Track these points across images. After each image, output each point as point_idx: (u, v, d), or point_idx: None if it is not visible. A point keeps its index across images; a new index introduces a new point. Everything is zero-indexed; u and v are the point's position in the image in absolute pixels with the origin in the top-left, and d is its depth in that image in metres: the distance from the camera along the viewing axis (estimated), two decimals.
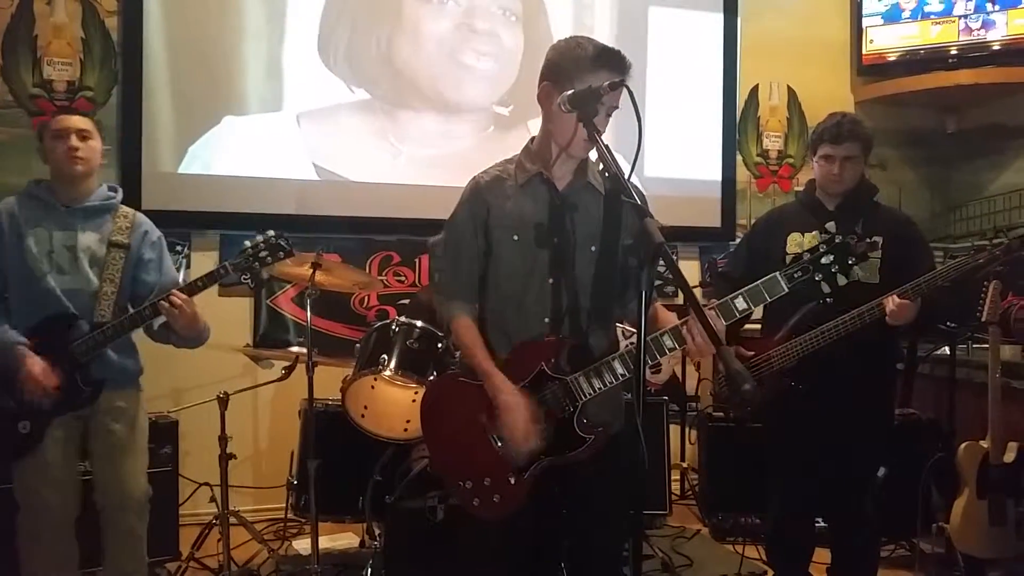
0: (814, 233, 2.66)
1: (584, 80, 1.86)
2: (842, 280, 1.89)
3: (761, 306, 2.75)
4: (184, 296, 2.42)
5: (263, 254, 2.47)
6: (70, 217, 2.54)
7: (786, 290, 1.88)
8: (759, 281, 1.89)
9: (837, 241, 1.89)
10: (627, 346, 1.95)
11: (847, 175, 2.67)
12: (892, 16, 4.93)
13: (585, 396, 1.93)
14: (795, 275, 1.88)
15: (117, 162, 3.85)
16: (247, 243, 2.49)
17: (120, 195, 2.67)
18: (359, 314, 4.24)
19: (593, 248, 1.98)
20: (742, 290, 1.89)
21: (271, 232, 2.49)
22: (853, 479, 2.69)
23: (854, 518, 2.72)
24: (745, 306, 1.88)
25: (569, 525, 2.07)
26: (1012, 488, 3.05)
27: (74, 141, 2.50)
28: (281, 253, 2.49)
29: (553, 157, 1.99)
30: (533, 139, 2.07)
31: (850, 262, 1.88)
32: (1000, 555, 3.08)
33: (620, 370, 1.91)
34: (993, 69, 4.72)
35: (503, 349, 2.00)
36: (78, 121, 2.56)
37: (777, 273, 1.89)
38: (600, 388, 1.92)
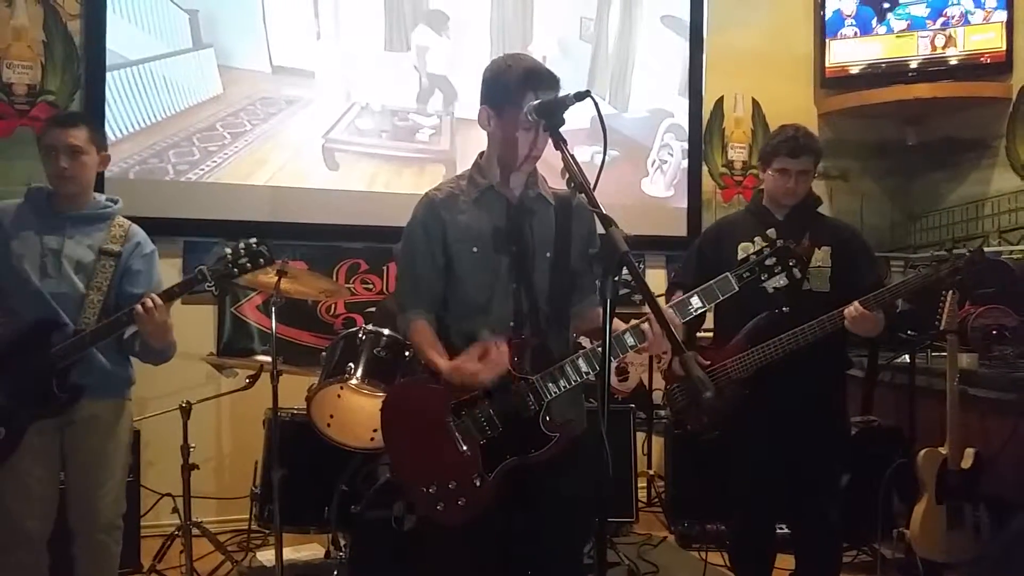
0: (764, 245, 2.70)
1: (515, 99, 1.93)
2: (783, 280, 2.06)
3: (712, 316, 2.84)
4: (158, 300, 2.36)
5: (243, 260, 2.41)
6: (60, 223, 2.49)
7: (736, 288, 2.00)
8: (712, 281, 2.00)
9: (779, 244, 2.05)
10: (592, 346, 2.00)
11: (801, 188, 2.73)
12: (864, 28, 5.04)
13: (550, 395, 1.96)
14: (744, 275, 2.01)
15: None
16: (227, 249, 2.42)
17: (119, 205, 2.60)
18: (326, 322, 4.21)
19: (548, 254, 2.05)
20: (696, 289, 1.99)
21: (252, 239, 2.44)
22: (814, 485, 2.72)
23: (817, 524, 2.76)
24: (700, 304, 1.98)
25: (530, 529, 2.07)
26: (969, 493, 3.11)
27: (63, 161, 2.43)
28: (261, 260, 2.43)
29: (516, 167, 2.03)
30: (482, 154, 2.11)
31: (791, 263, 2.04)
32: (958, 559, 3.13)
33: (584, 368, 1.95)
34: (951, 84, 4.84)
35: None
36: (70, 137, 2.44)
37: (728, 273, 2.00)
38: (565, 387, 1.96)
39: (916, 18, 4.93)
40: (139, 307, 2.35)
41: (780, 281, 2.06)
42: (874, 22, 5.00)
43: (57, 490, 2.48)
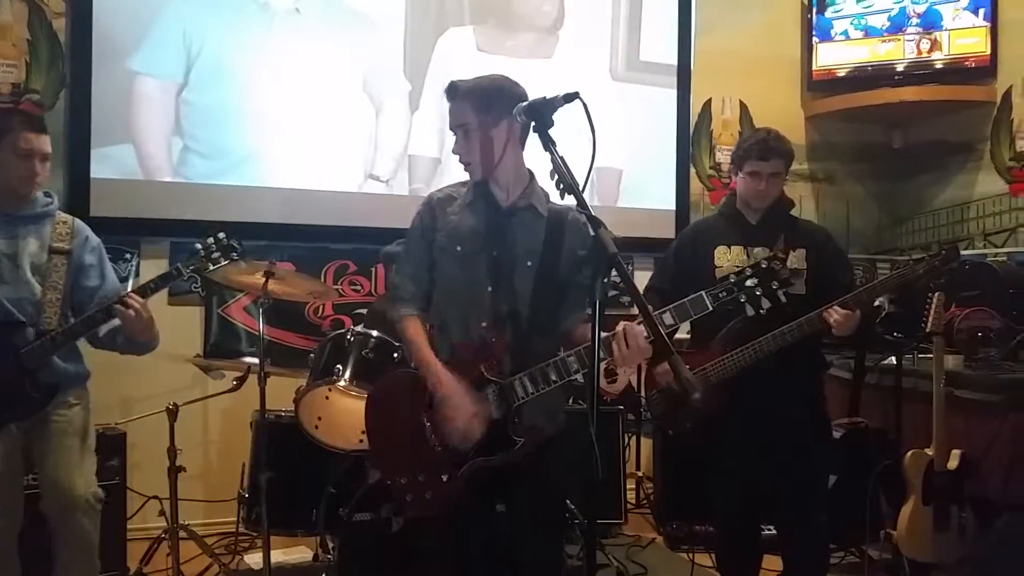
0: (740, 247, 2.73)
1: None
2: (766, 303, 1.99)
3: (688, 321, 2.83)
4: (140, 300, 2.40)
5: (215, 255, 2.48)
6: (9, 225, 2.49)
7: (710, 308, 1.98)
8: (686, 299, 1.99)
9: (764, 266, 1.99)
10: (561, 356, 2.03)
11: (772, 190, 2.75)
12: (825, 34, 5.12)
13: (519, 399, 2.01)
14: (720, 295, 1.99)
15: (65, 168, 3.76)
16: (198, 244, 2.50)
17: (56, 201, 2.62)
18: (313, 324, 4.20)
19: (530, 263, 2.10)
20: (669, 306, 1.99)
21: (221, 233, 2.51)
22: (799, 487, 2.73)
23: (803, 526, 2.77)
24: (672, 321, 1.99)
25: (510, 529, 2.13)
26: (955, 494, 3.13)
27: (38, 167, 2.47)
28: (234, 254, 2.50)
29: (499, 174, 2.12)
30: None
31: (774, 286, 1.98)
32: (944, 560, 3.15)
33: (553, 376, 2.00)
34: (937, 87, 4.88)
35: (446, 353, 2.10)
36: (45, 144, 2.50)
37: (703, 292, 1.99)
38: (533, 392, 2.00)
39: (872, 28, 5.02)
40: (120, 307, 2.38)
41: (764, 304, 1.99)
42: (832, 32, 5.10)
43: (22, 491, 2.48)
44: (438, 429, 2.03)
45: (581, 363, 1.97)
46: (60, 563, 2.52)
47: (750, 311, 1.99)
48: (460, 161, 2.14)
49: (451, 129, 2.14)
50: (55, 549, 2.51)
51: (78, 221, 2.62)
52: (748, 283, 1.98)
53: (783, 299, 2.00)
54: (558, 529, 2.23)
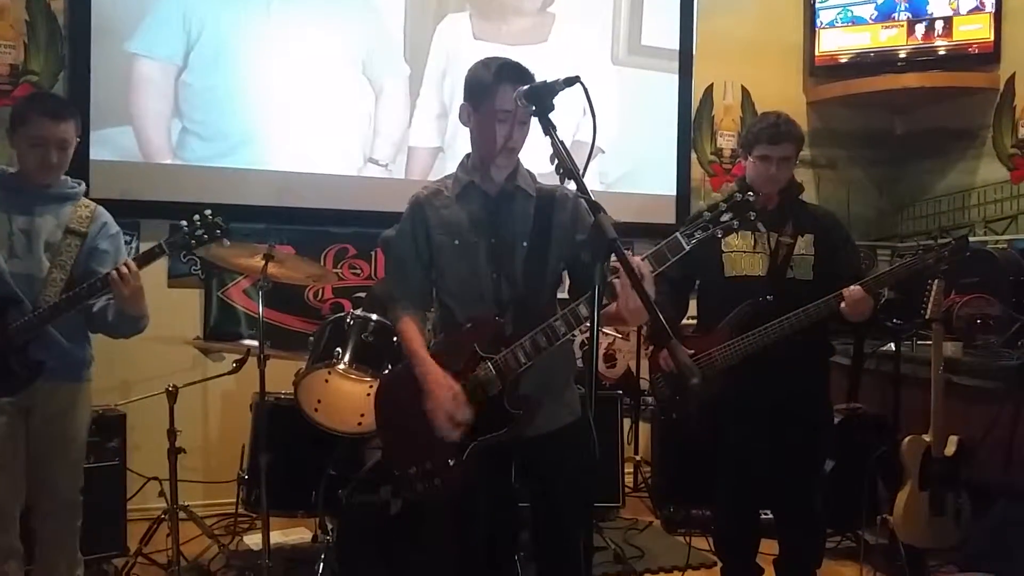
0: (748, 231, 2.68)
1: (489, 93, 2.02)
2: (738, 239, 1.94)
3: (696, 305, 2.81)
4: (132, 266, 2.38)
5: (199, 232, 2.46)
6: (30, 201, 2.48)
7: (686, 249, 1.92)
8: (662, 243, 1.93)
9: (738, 199, 1.93)
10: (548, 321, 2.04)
11: (782, 175, 2.72)
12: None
13: (513, 371, 2.02)
14: (695, 234, 1.93)
15: None
16: (183, 223, 2.47)
17: (83, 188, 2.61)
18: (313, 307, 4.20)
19: (524, 244, 2.12)
20: (647, 253, 1.94)
21: (207, 211, 2.48)
22: (797, 472, 2.74)
23: (800, 510, 2.78)
24: (650, 268, 1.91)
25: (532, 515, 2.16)
26: (952, 480, 3.14)
27: (53, 156, 2.42)
28: (218, 231, 2.47)
29: (492, 159, 2.10)
30: (468, 156, 2.20)
31: (751, 217, 1.93)
32: (940, 545, 3.17)
33: (543, 343, 2.00)
34: (939, 73, 4.86)
35: None
36: (61, 132, 2.43)
37: (677, 233, 1.93)
38: (526, 362, 2.01)
39: (859, 18, 5.01)
40: (114, 273, 2.36)
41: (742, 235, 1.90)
42: (819, 20, 5.10)
43: (24, 470, 2.48)
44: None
45: (568, 326, 1.98)
46: (42, 552, 2.54)
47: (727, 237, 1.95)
48: (514, 147, 2.07)
49: (509, 114, 2.03)
50: (36, 538, 2.52)
51: (101, 208, 2.60)
52: (723, 218, 1.92)
53: (761, 228, 1.94)
54: (584, 519, 2.23)
